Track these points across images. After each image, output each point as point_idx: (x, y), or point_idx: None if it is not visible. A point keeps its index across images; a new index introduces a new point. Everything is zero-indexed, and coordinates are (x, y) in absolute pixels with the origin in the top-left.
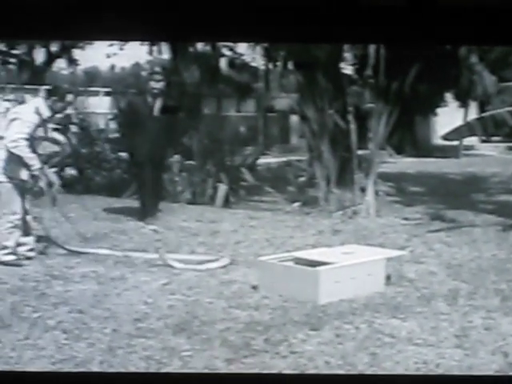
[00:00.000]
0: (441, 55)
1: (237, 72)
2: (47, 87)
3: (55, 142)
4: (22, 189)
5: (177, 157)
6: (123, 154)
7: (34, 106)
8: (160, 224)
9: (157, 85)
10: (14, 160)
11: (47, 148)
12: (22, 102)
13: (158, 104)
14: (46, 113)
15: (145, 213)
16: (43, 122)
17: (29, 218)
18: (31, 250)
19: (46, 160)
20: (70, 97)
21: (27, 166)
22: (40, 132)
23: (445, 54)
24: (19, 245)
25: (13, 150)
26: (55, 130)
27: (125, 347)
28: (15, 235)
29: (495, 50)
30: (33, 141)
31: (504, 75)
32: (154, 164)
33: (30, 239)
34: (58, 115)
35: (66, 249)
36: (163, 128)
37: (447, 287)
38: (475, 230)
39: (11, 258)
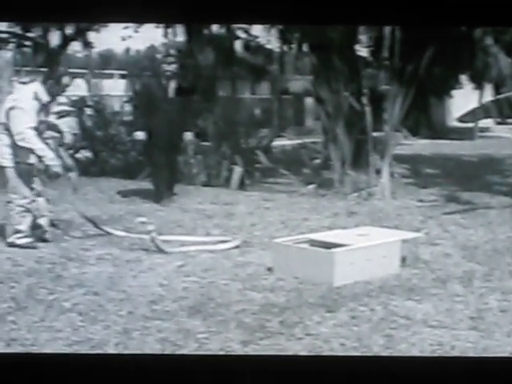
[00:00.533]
0: (456, 37)
1: (251, 54)
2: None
3: (55, 129)
4: (31, 172)
5: (192, 139)
6: (138, 136)
7: (33, 92)
8: (175, 206)
9: (170, 67)
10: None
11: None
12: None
13: (172, 86)
14: (45, 97)
15: (159, 195)
16: (43, 107)
17: (41, 200)
18: (45, 232)
19: (60, 143)
20: (66, 79)
21: (39, 157)
22: (42, 117)
23: (460, 36)
24: (35, 227)
25: (21, 143)
26: (58, 116)
27: (140, 329)
28: (27, 219)
29: (510, 32)
30: (37, 127)
31: None
32: (170, 146)
33: (44, 221)
34: (60, 99)
35: (103, 230)
36: (178, 109)
37: (462, 269)
38: (490, 211)
39: (26, 240)
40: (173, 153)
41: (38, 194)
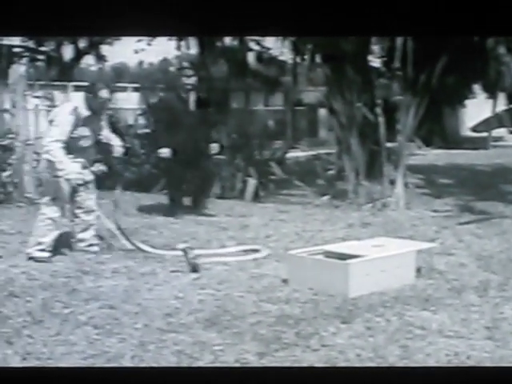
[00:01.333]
0: (468, 46)
1: (264, 66)
2: (83, 84)
3: (106, 144)
4: (68, 185)
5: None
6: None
7: (73, 105)
8: (190, 219)
9: (189, 80)
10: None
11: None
12: (51, 100)
13: (192, 98)
14: (85, 112)
15: (176, 209)
16: (83, 121)
17: (80, 212)
18: (91, 245)
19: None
20: (104, 92)
21: (59, 170)
22: (82, 132)
23: (472, 46)
24: (79, 241)
25: (44, 156)
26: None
27: (156, 342)
28: (53, 233)
29: None
30: (70, 143)
31: None
32: (193, 159)
33: (88, 234)
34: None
35: (137, 246)
36: (199, 122)
37: (478, 279)
38: (505, 221)
39: (43, 254)
40: (197, 166)
41: (80, 206)
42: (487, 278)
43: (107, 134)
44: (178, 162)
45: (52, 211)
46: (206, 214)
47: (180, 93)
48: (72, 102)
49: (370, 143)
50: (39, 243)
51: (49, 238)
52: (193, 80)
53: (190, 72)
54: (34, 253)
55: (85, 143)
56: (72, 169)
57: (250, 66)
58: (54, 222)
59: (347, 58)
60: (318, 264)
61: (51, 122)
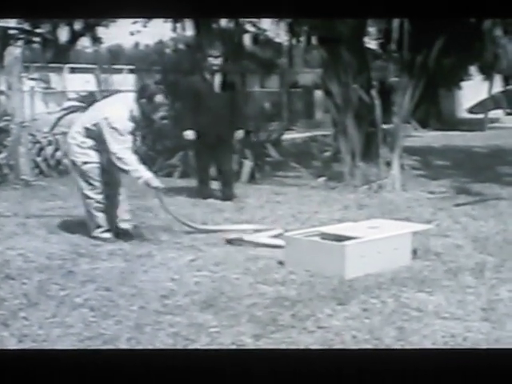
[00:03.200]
0: (465, 28)
1: (260, 48)
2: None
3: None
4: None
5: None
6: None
7: (129, 110)
8: (185, 200)
9: (215, 61)
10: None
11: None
12: (47, 82)
13: (217, 80)
14: (138, 117)
15: (204, 192)
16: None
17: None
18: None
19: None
20: (159, 98)
21: (136, 178)
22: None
23: (469, 27)
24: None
25: (118, 164)
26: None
27: (152, 324)
28: (102, 214)
29: None
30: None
31: None
32: (219, 143)
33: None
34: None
35: (195, 227)
36: (225, 105)
37: (474, 260)
38: (501, 202)
39: (107, 235)
40: (224, 150)
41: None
42: (483, 260)
43: None
44: (203, 144)
45: (97, 195)
46: (232, 198)
47: (205, 74)
48: (125, 105)
49: (366, 125)
50: (98, 226)
51: (101, 219)
52: (219, 61)
53: (216, 52)
54: (99, 235)
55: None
56: (147, 173)
57: (245, 47)
58: (102, 205)
59: (343, 39)
60: (314, 246)
61: (109, 124)
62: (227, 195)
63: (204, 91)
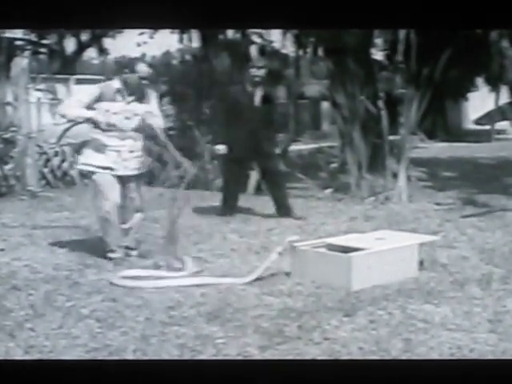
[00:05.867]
0: (471, 40)
1: (267, 59)
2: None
3: None
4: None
5: (208, 145)
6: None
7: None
8: (192, 212)
9: (258, 72)
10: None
11: None
12: (54, 93)
13: (258, 93)
14: (115, 85)
15: (227, 208)
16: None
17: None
18: (128, 248)
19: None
20: (142, 66)
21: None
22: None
23: (476, 39)
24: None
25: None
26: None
27: (158, 335)
28: (111, 230)
29: None
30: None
31: None
32: (252, 159)
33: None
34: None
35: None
36: (264, 119)
37: (480, 272)
38: (508, 214)
39: (115, 255)
40: (263, 165)
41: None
42: (490, 271)
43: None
44: (234, 160)
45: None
46: (291, 213)
47: (246, 86)
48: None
49: (372, 136)
50: (105, 243)
51: (110, 236)
52: (262, 72)
53: (260, 63)
54: (108, 255)
55: (118, 120)
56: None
57: (252, 58)
58: (106, 218)
59: (349, 51)
60: (320, 257)
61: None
62: (283, 211)
63: (243, 103)
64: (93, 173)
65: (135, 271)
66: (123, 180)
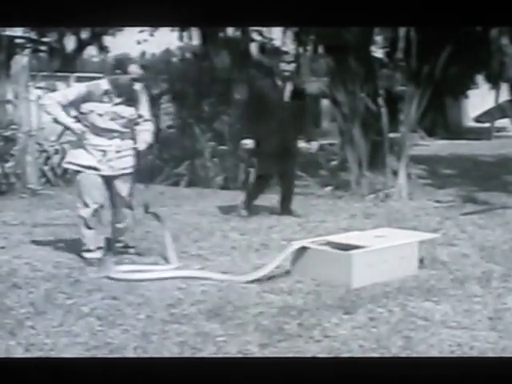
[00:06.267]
0: (472, 37)
1: (267, 57)
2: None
3: None
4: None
5: (210, 143)
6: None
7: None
8: (192, 209)
9: (288, 67)
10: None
11: None
12: (54, 91)
13: (288, 88)
14: (104, 86)
15: (249, 205)
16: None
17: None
18: (127, 246)
19: None
20: (134, 67)
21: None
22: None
23: (476, 36)
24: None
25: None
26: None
27: (159, 333)
28: (90, 231)
29: None
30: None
31: None
32: (285, 154)
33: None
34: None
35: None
36: (292, 114)
37: (480, 269)
38: (508, 211)
39: (91, 255)
40: (288, 162)
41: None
42: (490, 269)
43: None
44: (261, 155)
45: (82, 207)
46: (292, 213)
47: (276, 80)
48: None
49: (372, 134)
50: (83, 244)
51: (89, 237)
52: (291, 67)
53: (290, 58)
54: (83, 254)
55: (101, 121)
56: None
57: (252, 56)
58: (88, 218)
59: (350, 48)
60: (320, 255)
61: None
62: (286, 210)
63: (272, 98)
64: (78, 172)
65: (132, 266)
66: (110, 180)
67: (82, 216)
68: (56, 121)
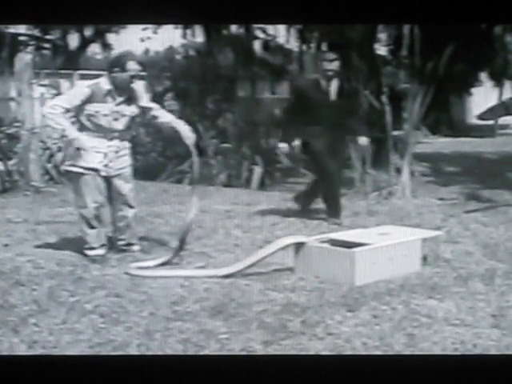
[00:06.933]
0: (475, 34)
1: (271, 54)
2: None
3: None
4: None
5: (213, 140)
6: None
7: (94, 81)
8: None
9: (331, 65)
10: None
11: None
12: (57, 88)
13: (333, 86)
14: (106, 86)
15: (331, 211)
16: (103, 96)
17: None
18: (130, 244)
19: None
20: (132, 64)
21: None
22: (102, 109)
23: (479, 34)
24: (119, 239)
25: (47, 122)
26: None
27: (162, 330)
28: (94, 230)
29: None
30: (84, 119)
31: None
32: (333, 155)
33: (127, 232)
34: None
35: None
36: (340, 113)
37: (484, 267)
38: (511, 209)
39: (95, 252)
40: (336, 163)
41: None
42: (493, 267)
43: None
44: (312, 157)
45: (83, 206)
46: (339, 217)
47: (320, 79)
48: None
49: (376, 131)
50: (86, 242)
51: (92, 235)
52: (335, 65)
53: (332, 55)
54: (86, 252)
55: (106, 122)
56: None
57: (256, 54)
58: (92, 217)
59: (353, 45)
60: (324, 252)
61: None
62: (335, 213)
63: (317, 99)
64: (78, 173)
65: (146, 262)
66: (109, 179)
67: (84, 216)
68: (63, 132)
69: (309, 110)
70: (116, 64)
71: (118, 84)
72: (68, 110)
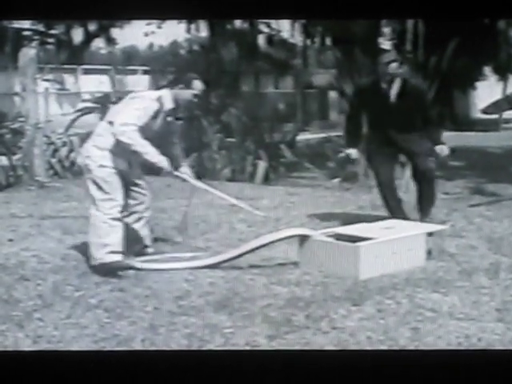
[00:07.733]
0: (479, 29)
1: (275, 49)
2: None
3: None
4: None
5: (217, 135)
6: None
7: (158, 94)
8: (199, 202)
9: (390, 68)
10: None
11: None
12: (61, 83)
13: (395, 88)
14: (169, 104)
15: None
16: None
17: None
18: (146, 246)
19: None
20: (198, 84)
21: (136, 155)
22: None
23: (483, 28)
24: (131, 241)
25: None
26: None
27: (166, 325)
28: (117, 230)
29: None
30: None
31: None
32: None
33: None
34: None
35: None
36: (404, 115)
37: (488, 261)
38: None
39: (116, 257)
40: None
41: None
42: (498, 260)
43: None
44: (377, 162)
45: (109, 206)
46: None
47: (381, 83)
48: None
49: None
50: (105, 245)
51: (113, 236)
52: (394, 67)
53: (390, 56)
54: (104, 258)
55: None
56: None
57: (260, 48)
58: (116, 218)
59: (357, 40)
60: (328, 246)
61: (125, 106)
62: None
63: (377, 104)
64: (110, 171)
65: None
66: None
67: (109, 213)
68: (142, 154)
69: (371, 116)
70: (181, 81)
71: (181, 101)
72: (141, 129)
